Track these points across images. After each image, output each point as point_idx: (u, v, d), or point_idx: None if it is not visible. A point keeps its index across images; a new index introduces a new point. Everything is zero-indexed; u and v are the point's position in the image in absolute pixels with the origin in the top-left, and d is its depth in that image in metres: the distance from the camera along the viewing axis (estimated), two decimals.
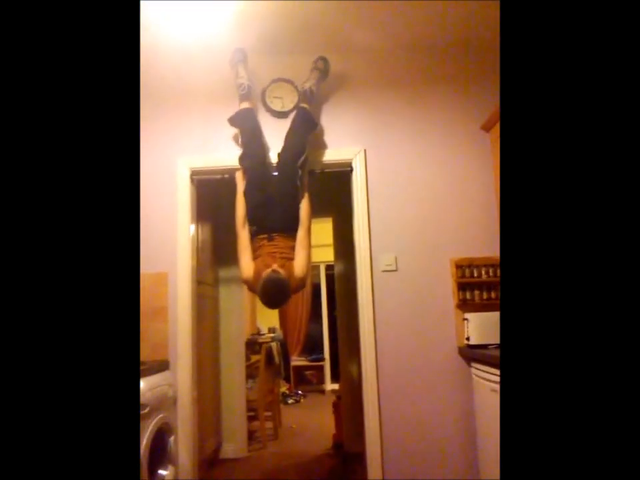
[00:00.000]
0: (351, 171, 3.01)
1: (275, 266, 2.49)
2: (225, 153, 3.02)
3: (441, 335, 2.86)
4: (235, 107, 3.00)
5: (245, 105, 2.93)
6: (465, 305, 2.85)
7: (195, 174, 3.06)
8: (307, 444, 4.51)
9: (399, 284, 2.90)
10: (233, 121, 2.90)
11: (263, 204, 2.70)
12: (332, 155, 3.02)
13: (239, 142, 2.93)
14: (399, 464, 2.77)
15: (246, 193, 2.76)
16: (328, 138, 3.04)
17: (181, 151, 3.06)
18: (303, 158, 2.77)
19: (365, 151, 3.00)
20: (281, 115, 3.04)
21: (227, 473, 3.75)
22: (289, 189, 2.72)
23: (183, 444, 2.81)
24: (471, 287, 2.86)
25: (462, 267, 2.86)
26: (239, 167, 2.87)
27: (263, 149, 2.90)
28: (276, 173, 2.81)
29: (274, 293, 2.49)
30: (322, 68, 2.94)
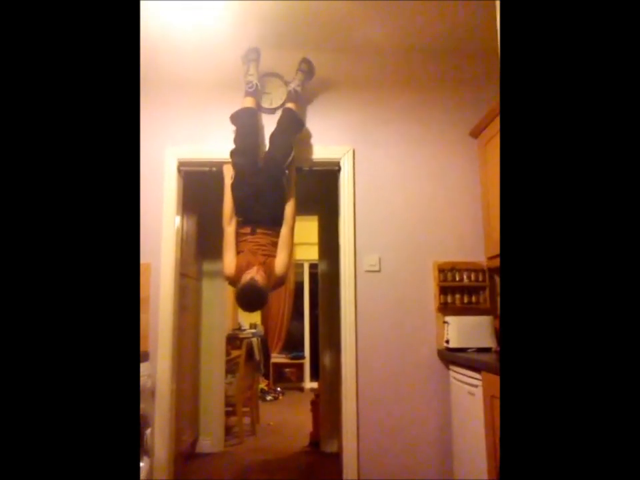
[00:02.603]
0: (339, 170, 3.02)
1: (254, 270, 2.52)
2: (214, 145, 3.01)
3: (421, 336, 2.88)
4: (227, 98, 3.01)
5: (249, 101, 2.94)
6: (445, 308, 2.88)
7: (182, 165, 3.04)
8: (284, 441, 4.51)
9: (381, 285, 2.92)
10: (233, 119, 2.90)
11: (249, 197, 2.72)
12: (320, 153, 3.02)
13: (234, 137, 2.91)
14: (374, 463, 2.79)
15: (233, 187, 2.77)
16: (317, 136, 3.05)
17: (169, 141, 3.04)
18: (289, 159, 2.78)
19: (353, 150, 3.02)
20: (270, 111, 3.04)
21: (203, 467, 3.73)
22: (275, 188, 2.74)
23: (159, 436, 2.80)
24: (452, 291, 2.89)
25: (444, 270, 2.89)
26: (228, 160, 2.86)
27: (256, 148, 2.88)
28: (263, 173, 2.80)
29: (250, 300, 2.56)
30: (306, 70, 2.96)
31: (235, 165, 2.81)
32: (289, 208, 2.76)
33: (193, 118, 3.08)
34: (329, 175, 3.12)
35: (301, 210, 2.88)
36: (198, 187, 3.66)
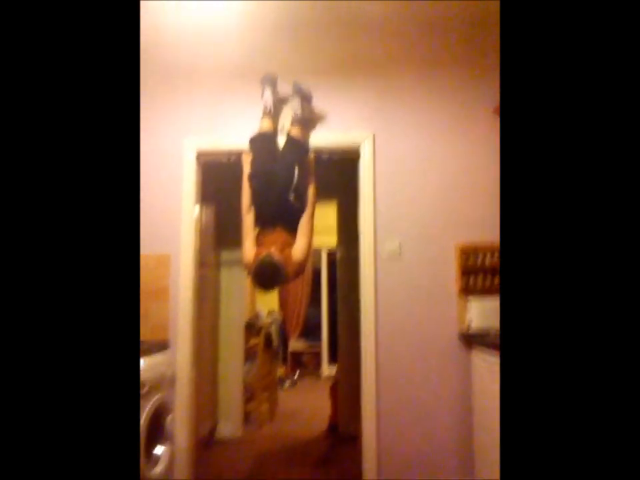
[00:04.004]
0: (359, 155, 2.97)
1: (271, 249, 2.50)
2: (232, 134, 2.99)
3: (442, 319, 2.85)
4: (245, 87, 3.01)
5: (265, 122, 2.92)
6: (467, 291, 2.84)
7: (201, 155, 3.03)
8: (302, 426, 4.54)
9: (402, 269, 2.89)
10: (251, 143, 2.88)
11: (269, 208, 2.72)
12: (340, 138, 2.98)
13: (250, 161, 2.86)
14: (394, 446, 2.78)
15: (253, 200, 2.77)
16: (337, 121, 3.00)
17: (187, 131, 3.03)
18: (293, 185, 2.72)
19: (373, 135, 2.97)
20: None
21: (223, 453, 3.77)
22: (288, 205, 2.71)
23: (179, 423, 2.82)
24: (474, 273, 2.85)
25: (466, 252, 2.85)
26: (246, 149, 2.87)
27: (271, 171, 2.81)
28: (275, 192, 2.76)
29: (265, 275, 2.52)
30: (300, 93, 2.91)
31: (252, 188, 2.79)
32: (309, 195, 2.76)
33: (211, 108, 3.06)
34: (348, 160, 3.08)
35: (319, 195, 2.85)
36: (216, 176, 3.65)
